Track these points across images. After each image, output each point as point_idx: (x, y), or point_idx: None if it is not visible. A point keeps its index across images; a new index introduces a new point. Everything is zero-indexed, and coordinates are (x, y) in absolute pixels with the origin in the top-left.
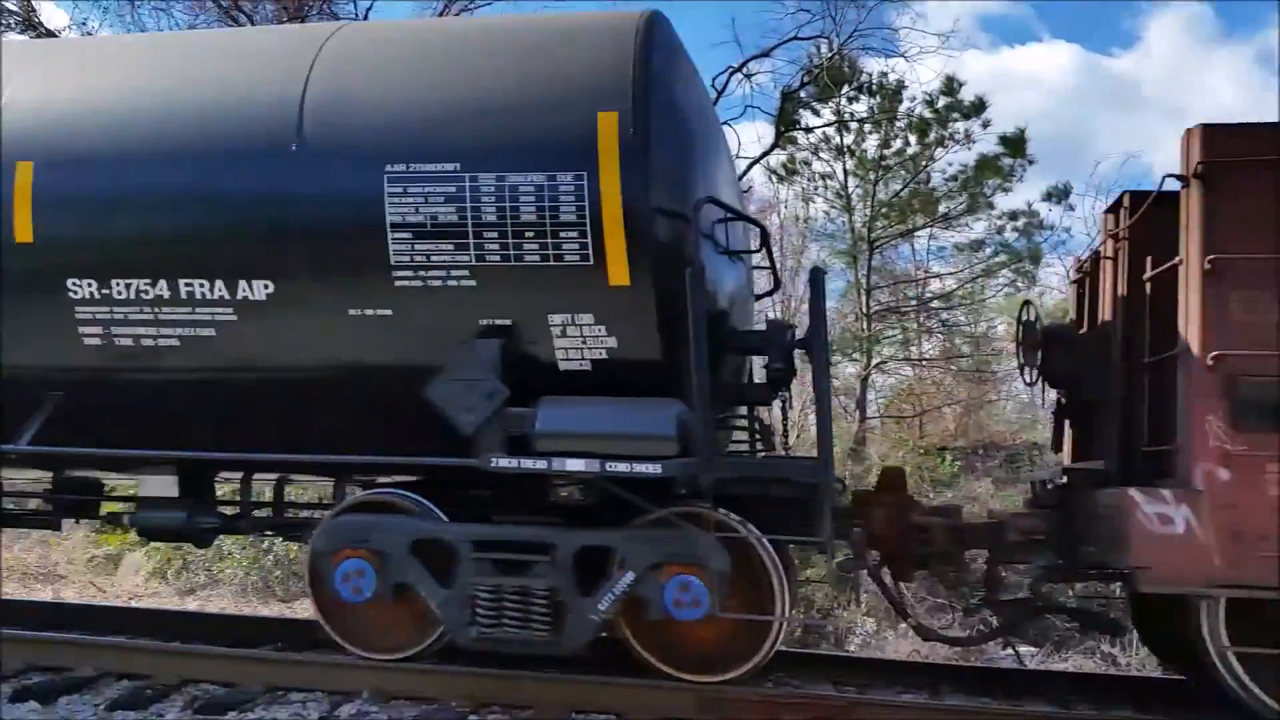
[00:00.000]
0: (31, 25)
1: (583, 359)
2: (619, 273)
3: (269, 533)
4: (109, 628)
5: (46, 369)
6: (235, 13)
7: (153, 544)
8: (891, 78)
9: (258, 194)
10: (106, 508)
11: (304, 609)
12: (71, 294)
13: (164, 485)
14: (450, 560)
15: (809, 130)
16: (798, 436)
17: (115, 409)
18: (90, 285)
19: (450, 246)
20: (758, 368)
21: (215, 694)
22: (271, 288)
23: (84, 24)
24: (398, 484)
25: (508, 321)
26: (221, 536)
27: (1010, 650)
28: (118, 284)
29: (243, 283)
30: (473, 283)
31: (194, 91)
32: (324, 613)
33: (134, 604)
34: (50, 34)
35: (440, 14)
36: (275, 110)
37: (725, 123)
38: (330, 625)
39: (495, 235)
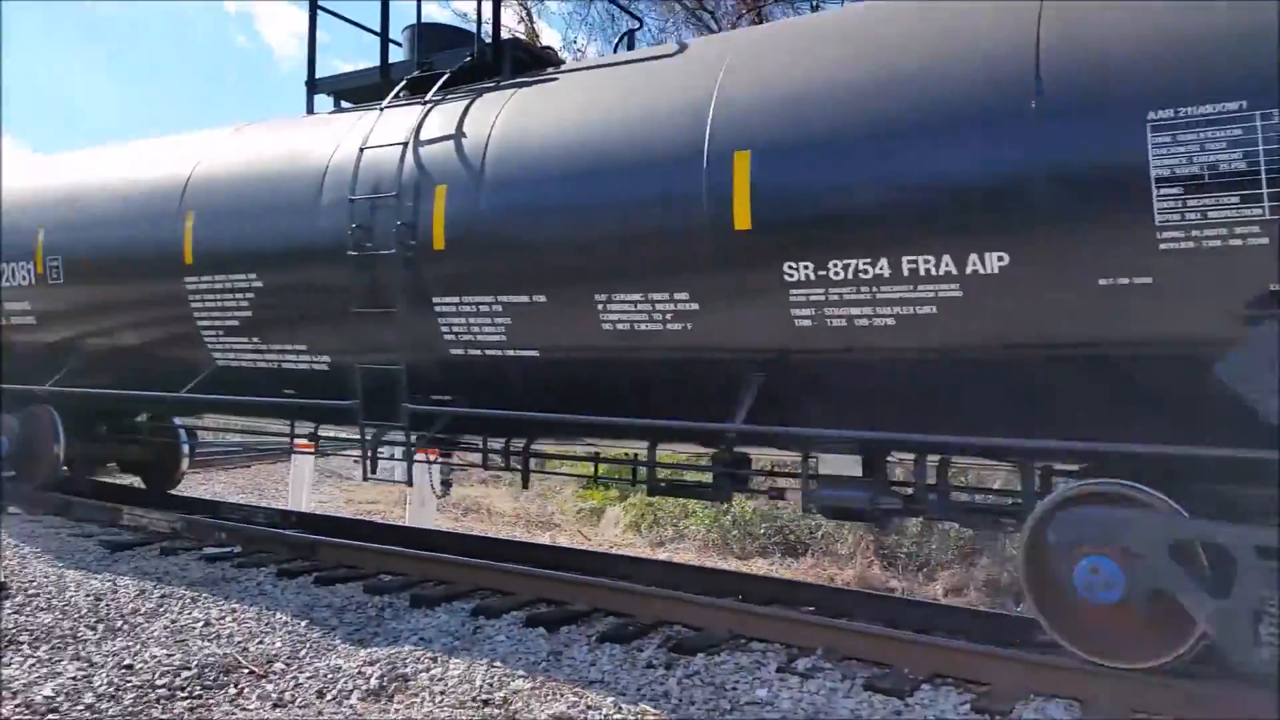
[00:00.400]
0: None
1: None
2: None
3: (947, 518)
4: (592, 570)
5: (756, 350)
6: (700, 12)
7: (628, 500)
8: None
9: (991, 161)
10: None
11: (758, 567)
12: (787, 277)
13: (845, 465)
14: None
15: None
16: None
17: (814, 389)
18: (807, 268)
19: (1235, 200)
20: None
21: (687, 636)
22: (1006, 259)
23: (574, 43)
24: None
25: None
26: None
27: None
28: (834, 265)
29: (973, 255)
30: (1263, 240)
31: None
32: (1046, 610)
33: (613, 550)
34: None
35: None
36: (1004, 66)
37: None
38: (1052, 624)
39: None
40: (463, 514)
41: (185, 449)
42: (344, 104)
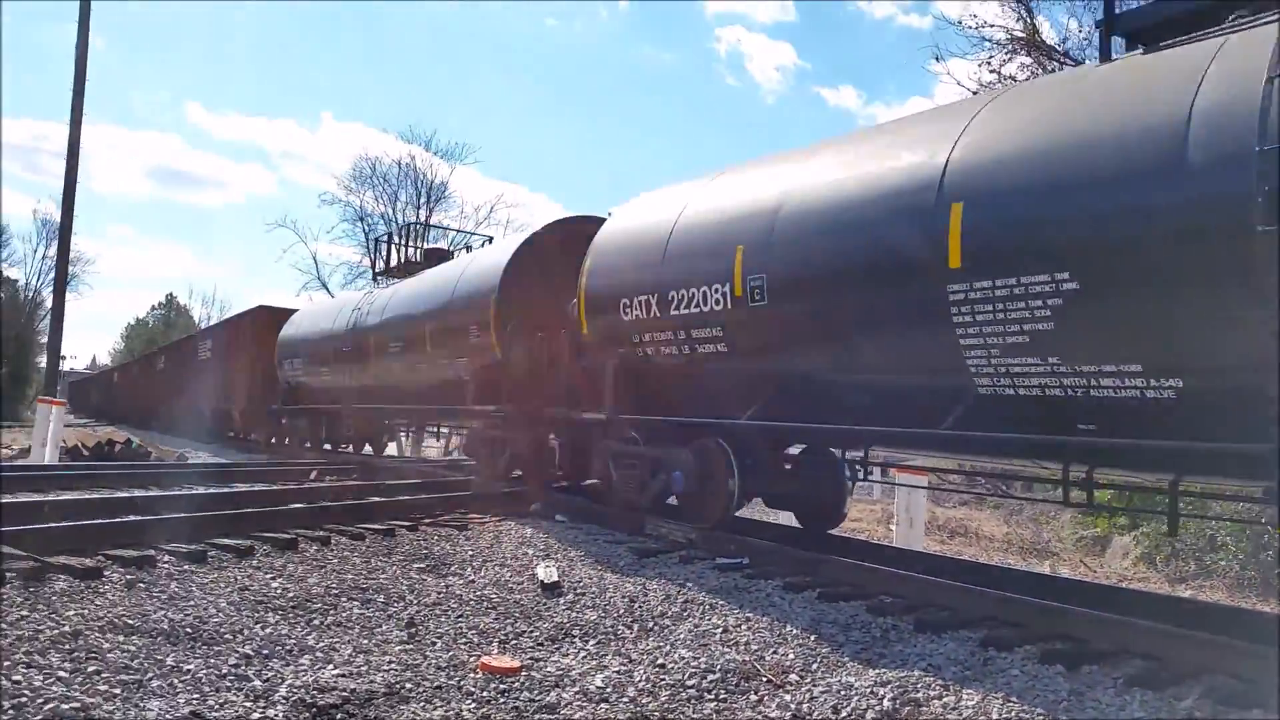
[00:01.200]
0: (1035, 46)
1: None
2: None
3: None
4: (1104, 606)
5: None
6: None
7: (1141, 529)
8: None
9: None
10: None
11: None
12: None
13: None
14: None
15: None
16: None
17: None
18: None
19: None
20: None
21: (1229, 685)
22: None
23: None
24: None
25: None
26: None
27: None
28: None
29: None
30: None
31: None
32: None
33: (1122, 585)
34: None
35: None
36: None
37: None
38: None
39: None
40: (949, 536)
41: (849, 485)
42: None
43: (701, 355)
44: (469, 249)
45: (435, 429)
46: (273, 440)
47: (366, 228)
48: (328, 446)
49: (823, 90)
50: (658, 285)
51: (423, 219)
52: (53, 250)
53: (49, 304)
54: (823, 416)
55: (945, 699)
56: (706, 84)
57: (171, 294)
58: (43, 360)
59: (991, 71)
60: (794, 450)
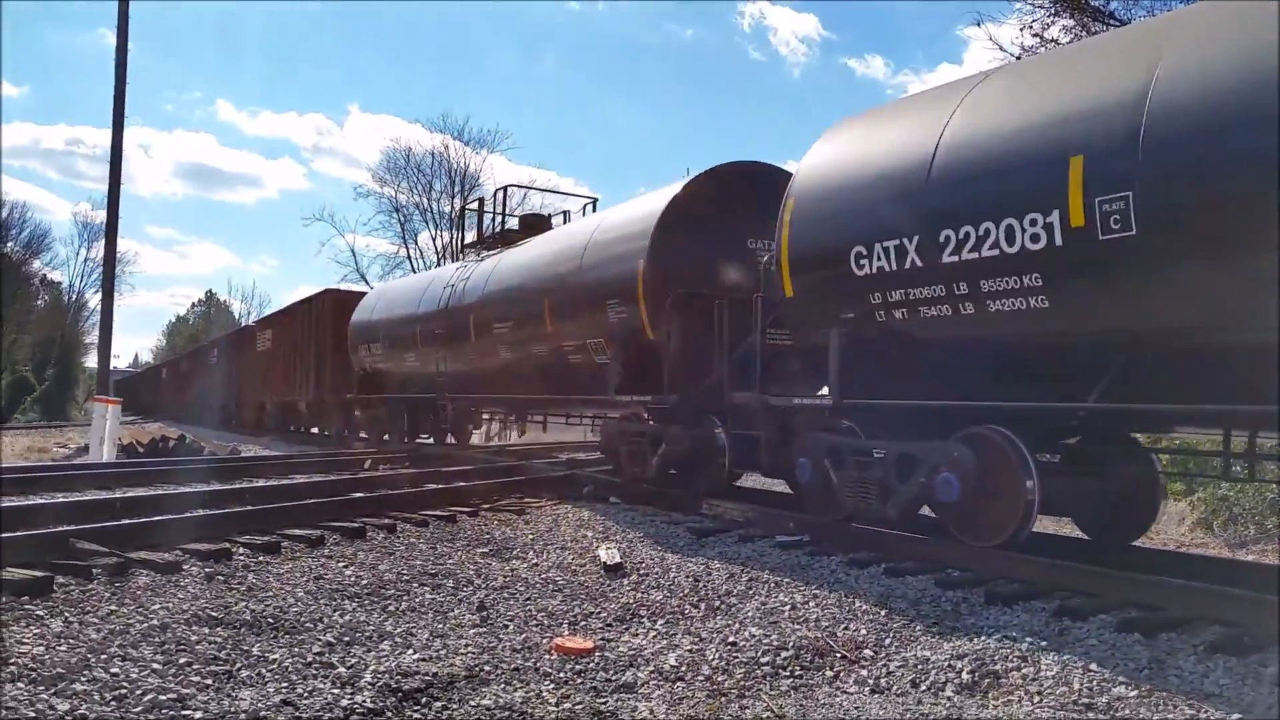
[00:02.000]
0: (1079, 8)
1: None
2: None
3: None
4: (1168, 572)
5: None
6: None
7: (1197, 494)
8: None
9: None
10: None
11: None
12: None
13: None
14: None
15: None
16: None
17: None
18: None
19: None
20: None
21: None
22: None
23: None
24: None
25: None
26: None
27: None
28: None
29: None
30: None
31: None
32: None
33: (1181, 551)
34: (1099, 13)
35: None
36: None
37: None
38: None
39: None
40: None
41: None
42: None
43: (995, 315)
44: (566, 216)
45: (542, 418)
46: (346, 433)
47: (402, 218)
48: (425, 438)
49: (850, 61)
50: (915, 225)
51: (457, 207)
52: (94, 252)
53: (92, 305)
54: (1193, 393)
55: (1024, 669)
56: (731, 59)
57: (211, 291)
58: (88, 361)
59: (1034, 35)
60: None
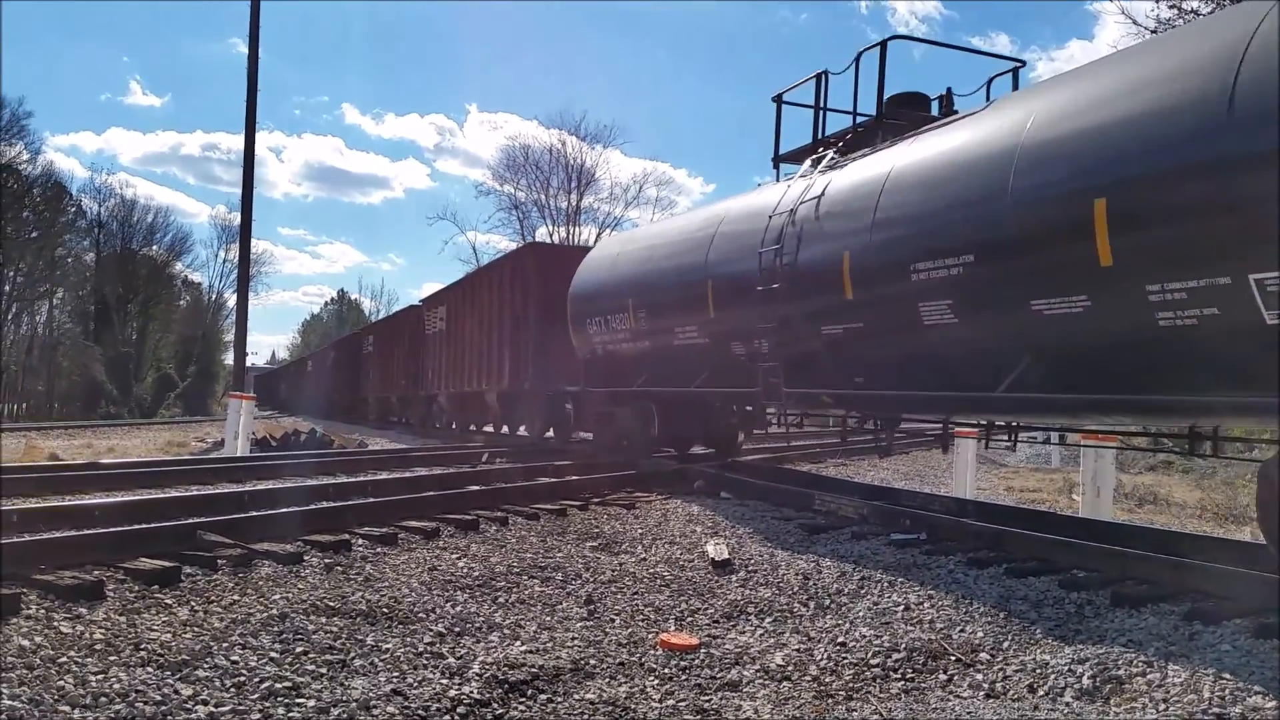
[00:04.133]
0: None
1: None
2: None
3: None
4: None
5: None
6: None
7: None
8: None
9: None
10: None
11: None
12: None
13: None
14: None
15: None
16: None
17: None
18: None
19: None
20: None
21: None
22: None
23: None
24: None
25: None
26: None
27: None
28: None
29: None
30: None
31: None
32: None
33: None
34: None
35: None
36: None
37: None
38: None
39: None
40: (1137, 504)
41: None
42: None
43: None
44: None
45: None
46: (572, 437)
47: (520, 215)
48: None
49: (974, 39)
50: None
51: (574, 204)
52: (231, 253)
53: (230, 305)
54: None
55: (1149, 676)
56: (848, 43)
57: (343, 290)
58: (227, 358)
59: (1171, 7)
60: None
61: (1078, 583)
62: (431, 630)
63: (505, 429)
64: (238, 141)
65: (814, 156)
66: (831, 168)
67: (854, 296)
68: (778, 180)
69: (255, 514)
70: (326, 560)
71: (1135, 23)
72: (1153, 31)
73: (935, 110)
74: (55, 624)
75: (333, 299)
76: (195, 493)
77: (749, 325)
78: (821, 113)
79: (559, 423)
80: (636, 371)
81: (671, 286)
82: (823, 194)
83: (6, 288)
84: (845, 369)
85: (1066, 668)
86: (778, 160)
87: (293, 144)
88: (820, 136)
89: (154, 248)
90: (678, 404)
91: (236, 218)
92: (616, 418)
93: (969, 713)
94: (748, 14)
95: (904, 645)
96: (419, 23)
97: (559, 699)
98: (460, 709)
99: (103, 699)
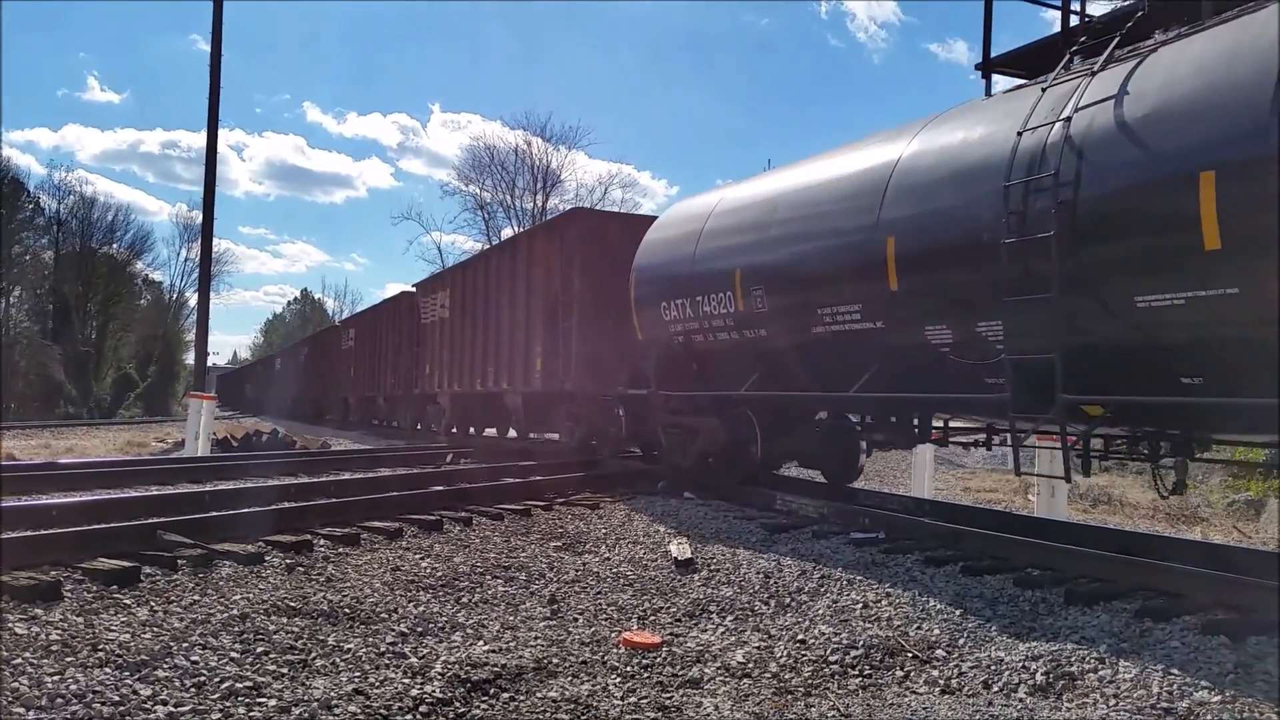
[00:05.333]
0: None
1: None
2: None
3: None
4: (1266, 574)
5: None
6: None
7: None
8: None
9: None
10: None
11: None
12: None
13: None
14: None
15: None
16: None
17: None
18: None
19: None
20: None
21: None
22: None
23: None
24: None
25: None
26: None
27: None
28: None
29: None
30: None
31: None
32: None
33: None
34: None
35: None
36: None
37: None
38: None
39: None
40: (1091, 505)
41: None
42: None
43: None
44: None
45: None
46: (603, 447)
47: (486, 215)
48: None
49: (932, 46)
50: None
51: (540, 205)
52: (193, 252)
53: (192, 304)
54: None
55: (1101, 672)
56: (808, 47)
57: (306, 289)
58: (189, 358)
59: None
60: None
61: (1032, 581)
62: (394, 630)
63: (532, 434)
64: (198, 139)
65: (1077, 47)
66: (1116, 61)
67: (1225, 245)
68: (987, 94)
69: (216, 514)
70: (288, 560)
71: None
72: None
73: None
74: (10, 625)
75: (296, 298)
76: (155, 493)
77: (970, 297)
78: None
79: (602, 432)
80: (740, 368)
81: (814, 253)
82: (1126, 91)
83: None
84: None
85: (1020, 664)
86: (988, 66)
87: (254, 142)
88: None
89: (114, 246)
90: (785, 415)
91: (198, 216)
92: (700, 431)
93: (925, 708)
94: (710, 17)
95: (862, 642)
96: (380, 22)
97: (521, 697)
98: (422, 708)
99: (59, 700)
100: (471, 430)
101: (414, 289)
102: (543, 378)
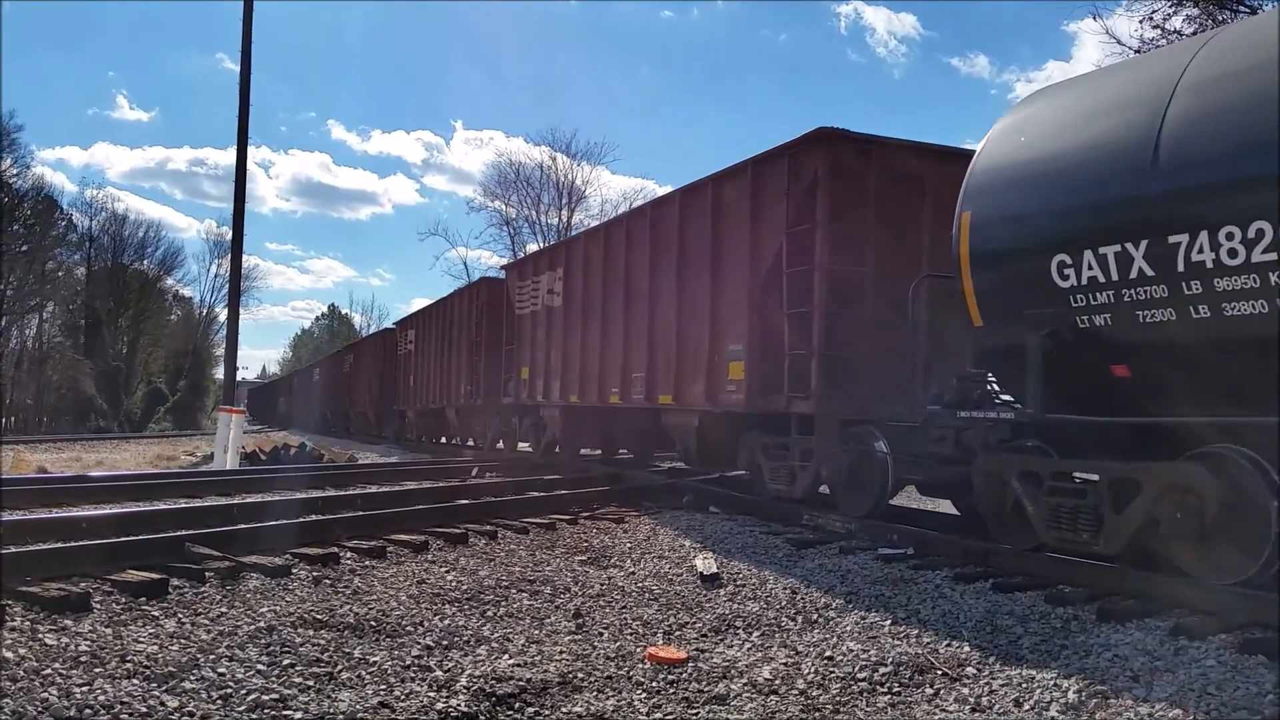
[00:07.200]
0: None
1: None
2: None
3: None
4: None
5: None
6: None
7: None
8: None
9: None
10: None
11: None
12: None
13: None
14: None
15: None
16: None
17: None
18: None
19: None
20: None
21: None
22: None
23: None
24: None
25: None
26: None
27: None
28: None
29: None
30: None
31: None
32: None
33: None
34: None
35: None
36: None
37: None
38: None
39: None
40: None
41: None
42: None
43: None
44: None
45: None
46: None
47: (511, 231)
48: None
49: (952, 60)
50: None
51: (565, 220)
52: (222, 268)
53: (221, 319)
54: None
55: (1135, 690)
56: (829, 62)
57: (334, 304)
58: (218, 372)
59: (1155, 27)
60: None
61: (1065, 598)
62: (419, 643)
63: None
64: (225, 156)
65: None
66: None
67: None
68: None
69: (244, 527)
70: (314, 573)
71: (1120, 42)
72: (1136, 51)
73: None
74: (40, 636)
75: (324, 314)
76: (184, 505)
77: None
78: None
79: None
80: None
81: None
82: None
83: None
84: None
85: (1053, 682)
86: None
87: (280, 159)
88: None
89: (145, 262)
90: None
91: (226, 232)
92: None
93: None
94: (730, 34)
95: (891, 659)
96: (405, 40)
97: (546, 712)
98: None
99: (88, 710)
100: (423, 439)
101: (394, 326)
102: (747, 389)
